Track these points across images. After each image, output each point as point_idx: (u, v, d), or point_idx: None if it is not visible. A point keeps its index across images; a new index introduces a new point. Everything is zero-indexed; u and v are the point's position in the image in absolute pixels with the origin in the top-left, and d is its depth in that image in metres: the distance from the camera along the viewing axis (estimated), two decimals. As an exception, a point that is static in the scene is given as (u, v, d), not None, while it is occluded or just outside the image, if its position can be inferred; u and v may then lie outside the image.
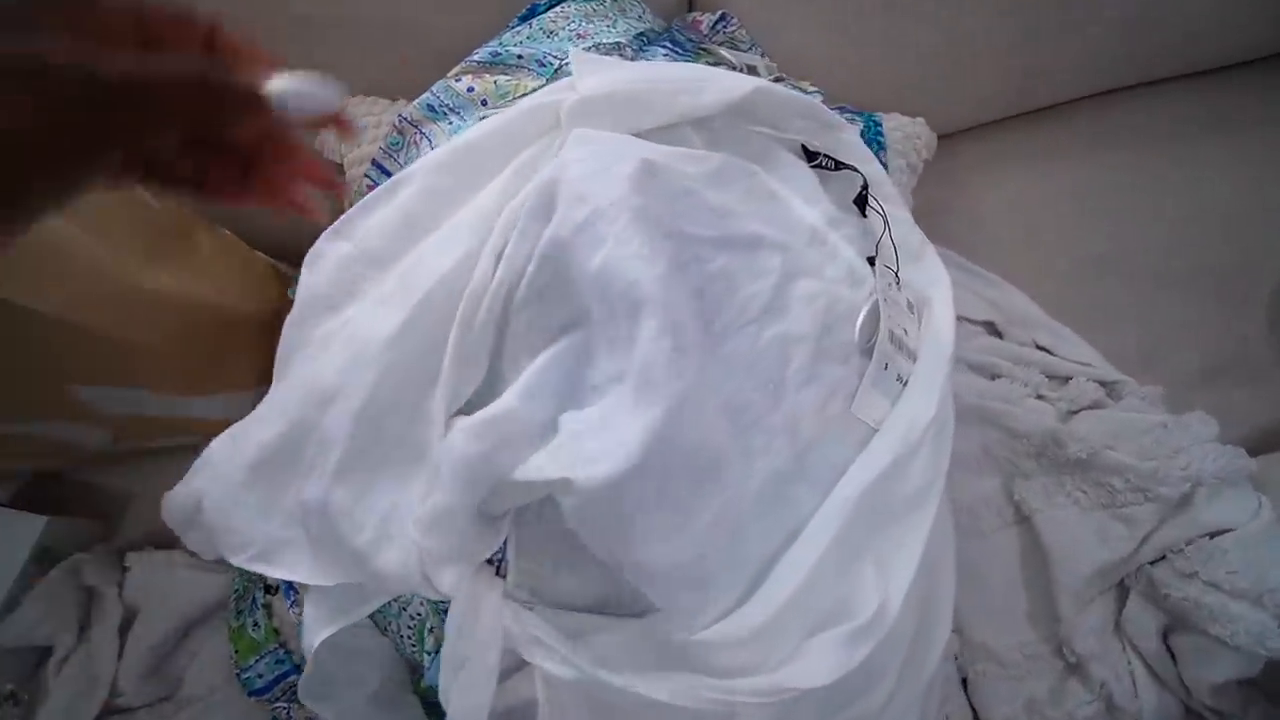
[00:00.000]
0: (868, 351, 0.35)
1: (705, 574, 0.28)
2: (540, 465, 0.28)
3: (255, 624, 0.50)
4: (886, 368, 0.35)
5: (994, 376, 0.56)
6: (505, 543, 0.34)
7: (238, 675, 0.49)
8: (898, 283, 0.39)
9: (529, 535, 0.33)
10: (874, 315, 0.35)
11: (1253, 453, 0.51)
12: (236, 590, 0.52)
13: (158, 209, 0.50)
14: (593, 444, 0.28)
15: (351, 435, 0.33)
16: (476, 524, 0.30)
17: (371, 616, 0.40)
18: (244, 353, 0.55)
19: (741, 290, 0.32)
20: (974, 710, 0.50)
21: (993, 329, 0.59)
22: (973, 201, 0.64)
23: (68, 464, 0.56)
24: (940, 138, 0.61)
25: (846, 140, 0.42)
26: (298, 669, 0.49)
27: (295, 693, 0.43)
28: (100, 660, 0.51)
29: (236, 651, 0.49)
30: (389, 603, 0.38)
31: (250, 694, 0.48)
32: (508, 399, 0.30)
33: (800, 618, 0.29)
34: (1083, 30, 0.57)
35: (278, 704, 0.49)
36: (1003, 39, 0.57)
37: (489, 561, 0.35)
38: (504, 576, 0.34)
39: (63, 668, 0.51)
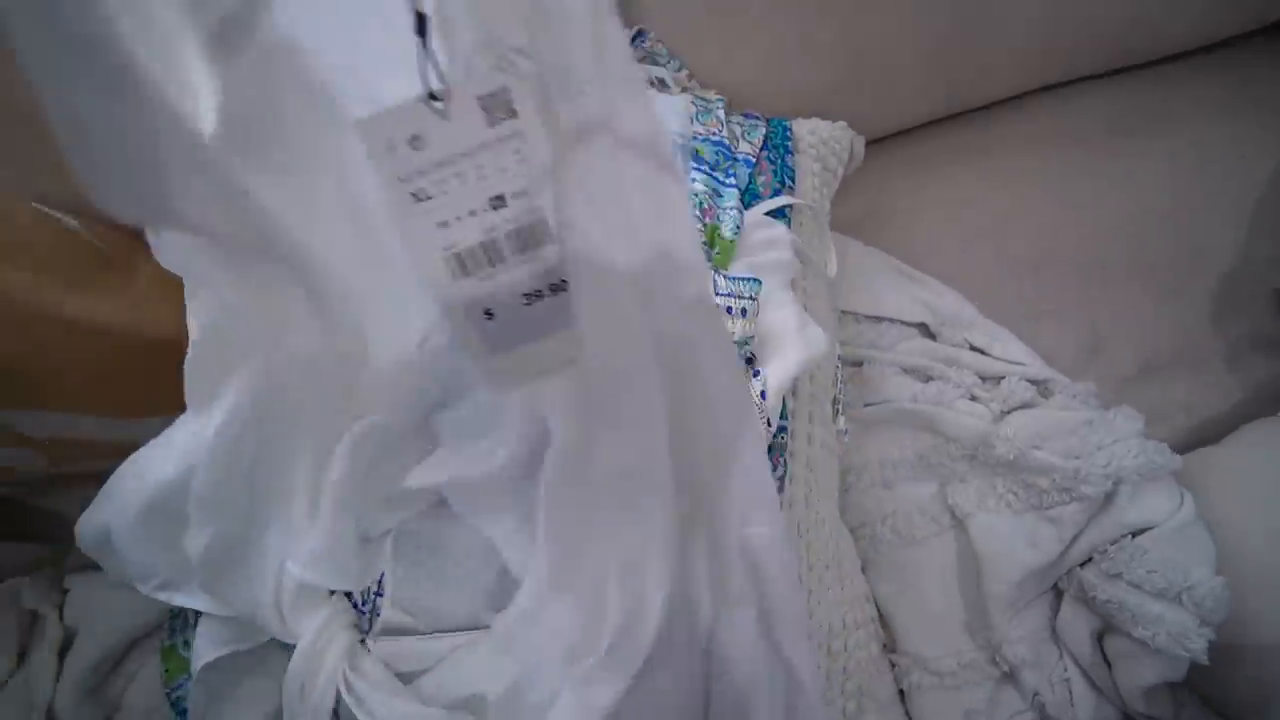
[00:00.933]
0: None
1: None
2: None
3: (186, 643, 0.50)
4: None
5: (928, 379, 0.56)
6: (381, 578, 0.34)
7: (167, 695, 0.49)
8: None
9: (406, 552, 0.33)
10: None
11: (1195, 445, 0.50)
12: (173, 610, 0.53)
13: (91, 241, 0.52)
14: None
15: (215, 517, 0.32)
16: (359, 551, 0.31)
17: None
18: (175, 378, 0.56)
19: None
20: (911, 723, 0.48)
21: (926, 331, 0.59)
22: (906, 205, 0.64)
23: (1, 486, 0.57)
24: (870, 143, 0.61)
25: None
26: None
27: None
28: (38, 684, 0.51)
29: (166, 670, 0.50)
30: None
31: (178, 714, 0.49)
32: None
33: (541, 672, 0.26)
34: (1004, 27, 0.57)
35: (207, 725, 0.49)
36: (922, 40, 0.57)
37: (355, 607, 0.35)
38: (368, 616, 0.34)
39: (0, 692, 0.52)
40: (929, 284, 0.60)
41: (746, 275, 0.38)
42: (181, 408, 0.54)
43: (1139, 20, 0.59)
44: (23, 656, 0.53)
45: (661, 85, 0.51)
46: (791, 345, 0.37)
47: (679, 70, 0.56)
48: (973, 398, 0.55)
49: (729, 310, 0.35)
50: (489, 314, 0.21)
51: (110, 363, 0.48)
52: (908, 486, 0.54)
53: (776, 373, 0.36)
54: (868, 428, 0.55)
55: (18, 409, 0.45)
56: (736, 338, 0.35)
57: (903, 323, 0.59)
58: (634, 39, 0.57)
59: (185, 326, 0.55)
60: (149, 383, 0.53)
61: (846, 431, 0.51)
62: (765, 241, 0.42)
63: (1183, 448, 0.47)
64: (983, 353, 0.56)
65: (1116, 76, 0.63)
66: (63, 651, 0.53)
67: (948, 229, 0.63)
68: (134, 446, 0.54)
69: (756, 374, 0.36)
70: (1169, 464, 0.43)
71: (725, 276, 0.37)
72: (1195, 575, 0.39)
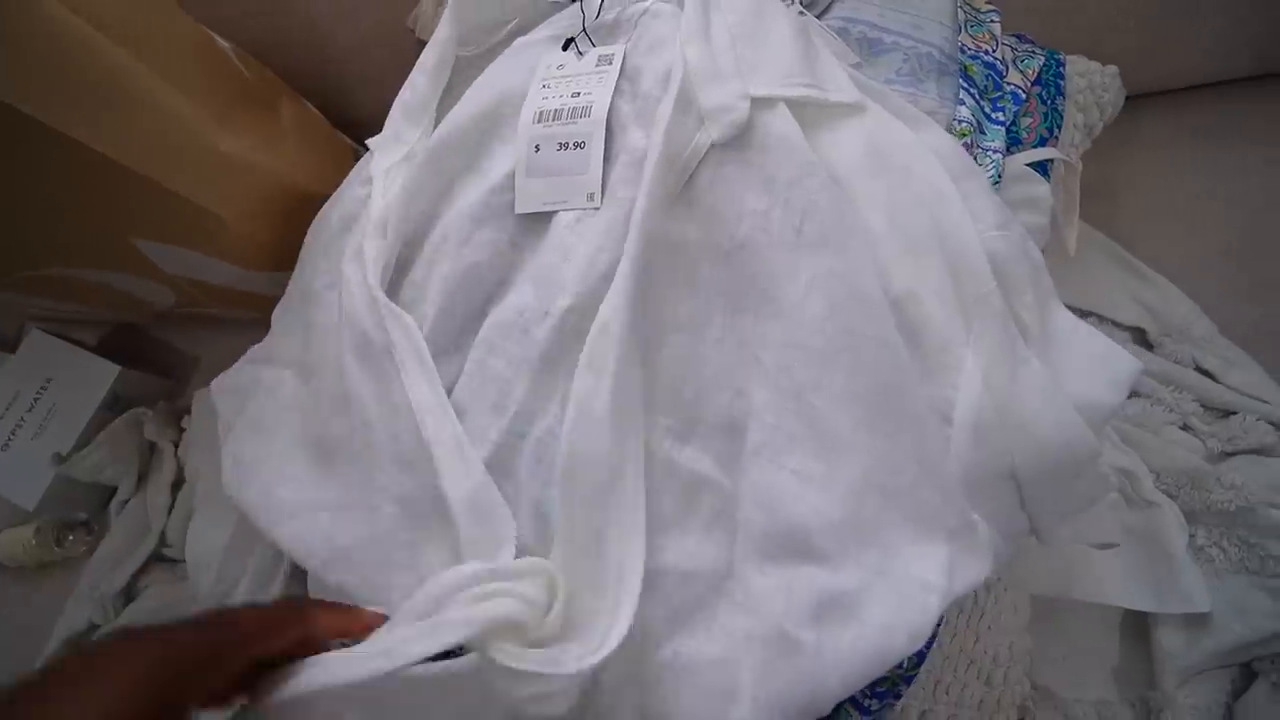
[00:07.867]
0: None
1: None
2: None
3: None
4: (538, 149, 0.31)
5: (1133, 394, 0.47)
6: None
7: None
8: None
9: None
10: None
11: None
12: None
13: (242, 72, 0.48)
14: None
15: None
16: None
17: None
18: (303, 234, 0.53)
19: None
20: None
21: (1142, 338, 0.50)
22: (1146, 182, 0.53)
23: (139, 318, 0.57)
24: (1127, 99, 0.49)
25: None
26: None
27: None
28: (154, 510, 0.53)
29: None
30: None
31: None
32: None
33: None
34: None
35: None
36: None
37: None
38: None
39: (123, 509, 0.54)
40: (1156, 284, 0.50)
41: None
42: (289, 266, 0.51)
43: None
44: (141, 480, 0.55)
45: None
46: None
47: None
48: (1185, 427, 0.47)
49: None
50: (537, 148, 0.31)
51: (250, 204, 0.45)
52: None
53: None
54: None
55: (160, 241, 0.43)
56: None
57: (1114, 323, 0.50)
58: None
59: (321, 177, 0.52)
60: (279, 234, 0.50)
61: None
62: (1024, 200, 0.34)
63: None
64: (1212, 378, 0.47)
65: None
66: (176, 486, 0.54)
67: (1190, 224, 0.52)
68: (253, 301, 0.52)
69: None
70: None
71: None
72: None
